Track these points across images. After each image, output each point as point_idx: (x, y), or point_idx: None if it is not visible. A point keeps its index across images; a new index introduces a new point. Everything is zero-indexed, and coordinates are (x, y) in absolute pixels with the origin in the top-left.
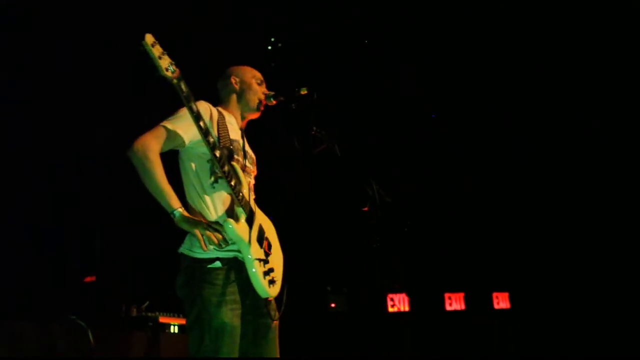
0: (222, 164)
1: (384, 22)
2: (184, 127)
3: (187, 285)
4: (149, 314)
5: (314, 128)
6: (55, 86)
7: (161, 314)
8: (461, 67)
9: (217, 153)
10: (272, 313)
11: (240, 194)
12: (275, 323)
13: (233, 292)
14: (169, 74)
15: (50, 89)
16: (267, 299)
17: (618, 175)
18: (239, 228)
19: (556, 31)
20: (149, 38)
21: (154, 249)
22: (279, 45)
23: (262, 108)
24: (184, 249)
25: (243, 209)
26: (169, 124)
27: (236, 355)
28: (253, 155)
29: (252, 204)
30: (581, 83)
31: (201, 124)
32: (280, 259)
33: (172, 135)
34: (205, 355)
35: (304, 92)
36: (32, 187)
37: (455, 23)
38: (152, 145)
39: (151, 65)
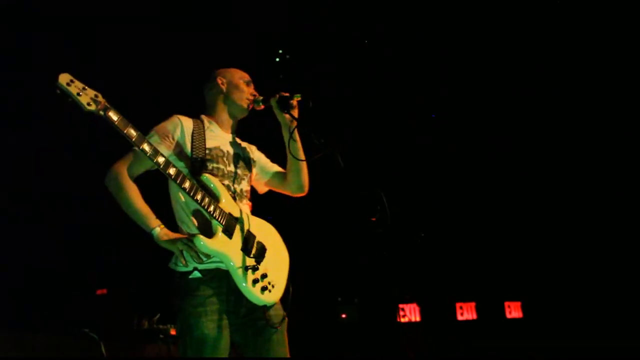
0: (179, 181)
1: (384, 24)
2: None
3: (174, 297)
4: (161, 327)
5: (313, 135)
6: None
7: (172, 326)
8: (465, 70)
9: (172, 171)
10: (273, 320)
11: (212, 207)
12: (280, 328)
13: (215, 303)
14: (92, 108)
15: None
16: (265, 306)
17: (633, 185)
18: (212, 242)
19: (556, 31)
20: (64, 77)
21: (166, 262)
22: (287, 56)
23: (250, 108)
24: (171, 263)
25: (218, 221)
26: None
27: None
28: (256, 158)
29: (237, 211)
30: (582, 84)
31: (145, 147)
32: (281, 262)
33: (142, 157)
34: None
35: (297, 98)
36: (44, 202)
37: (454, 23)
38: (123, 171)
39: (72, 104)
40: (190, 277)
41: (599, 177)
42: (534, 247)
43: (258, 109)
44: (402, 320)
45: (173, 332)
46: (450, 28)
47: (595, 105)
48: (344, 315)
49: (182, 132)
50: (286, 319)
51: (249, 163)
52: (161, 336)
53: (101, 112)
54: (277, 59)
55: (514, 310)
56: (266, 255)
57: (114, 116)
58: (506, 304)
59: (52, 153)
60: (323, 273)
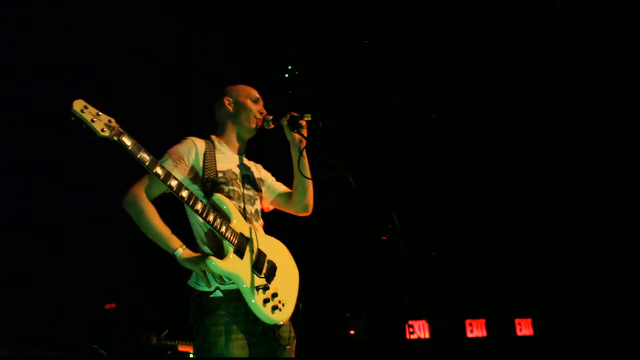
0: (191, 204)
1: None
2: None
3: (194, 315)
4: (169, 343)
5: (324, 154)
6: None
7: (180, 342)
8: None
9: (184, 194)
10: (284, 338)
11: (224, 227)
12: (289, 347)
13: (235, 322)
14: (106, 133)
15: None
16: (275, 325)
17: None
18: (223, 263)
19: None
20: (78, 104)
21: (174, 278)
22: (296, 72)
23: (258, 126)
24: (191, 281)
25: (229, 241)
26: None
27: None
28: (264, 177)
29: (248, 230)
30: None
31: (158, 171)
32: (292, 281)
33: (157, 180)
34: None
35: (307, 118)
36: (52, 216)
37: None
38: (141, 193)
39: (86, 129)
40: (212, 296)
41: (611, 194)
42: (545, 264)
43: (268, 128)
44: (411, 337)
45: (181, 348)
46: (452, 30)
47: (605, 111)
48: (352, 331)
49: (196, 154)
50: (295, 340)
51: (258, 183)
52: (169, 352)
53: (115, 137)
54: (287, 75)
55: (524, 328)
56: (276, 274)
57: (127, 141)
58: (517, 321)
59: (63, 165)
60: (332, 289)
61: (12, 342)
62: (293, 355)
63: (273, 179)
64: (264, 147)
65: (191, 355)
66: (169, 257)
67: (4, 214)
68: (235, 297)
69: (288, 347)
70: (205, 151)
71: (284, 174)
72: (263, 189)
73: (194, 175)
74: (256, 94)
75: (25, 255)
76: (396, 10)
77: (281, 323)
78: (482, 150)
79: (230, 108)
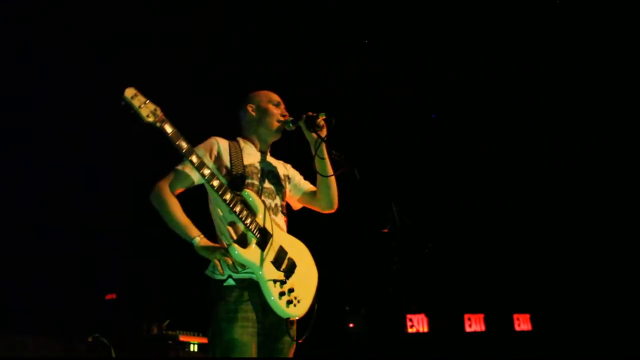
0: (221, 193)
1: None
2: (191, 168)
3: (209, 302)
4: (170, 333)
5: (333, 152)
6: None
7: (181, 332)
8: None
9: (215, 183)
10: (294, 333)
11: (249, 219)
12: (294, 345)
13: (247, 310)
14: (151, 119)
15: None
16: (288, 319)
17: None
18: (246, 252)
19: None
20: (129, 92)
21: (175, 269)
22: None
23: (280, 129)
24: (208, 271)
25: (253, 233)
26: (180, 167)
27: None
28: (291, 175)
29: (271, 226)
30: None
31: (193, 159)
32: (310, 281)
33: (182, 176)
34: None
35: (322, 117)
36: (55, 208)
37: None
38: (165, 187)
39: (134, 114)
40: (225, 284)
41: (610, 190)
42: (543, 260)
43: (290, 130)
44: (410, 330)
45: (182, 338)
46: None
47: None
48: (351, 325)
49: (219, 151)
50: (294, 345)
51: (282, 179)
52: (170, 342)
53: (158, 124)
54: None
55: (522, 323)
56: (295, 271)
57: (168, 129)
58: (515, 316)
59: (64, 155)
60: (331, 282)
61: (12, 332)
62: (291, 355)
63: (300, 177)
64: (292, 147)
65: (192, 346)
66: (171, 248)
67: (7, 206)
68: (247, 286)
69: (292, 343)
70: (230, 148)
71: (312, 173)
72: (289, 186)
73: (217, 170)
74: (277, 98)
75: (26, 246)
76: (397, 10)
77: (294, 318)
78: (482, 146)
79: (254, 114)
